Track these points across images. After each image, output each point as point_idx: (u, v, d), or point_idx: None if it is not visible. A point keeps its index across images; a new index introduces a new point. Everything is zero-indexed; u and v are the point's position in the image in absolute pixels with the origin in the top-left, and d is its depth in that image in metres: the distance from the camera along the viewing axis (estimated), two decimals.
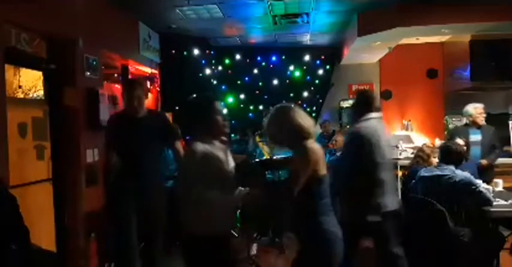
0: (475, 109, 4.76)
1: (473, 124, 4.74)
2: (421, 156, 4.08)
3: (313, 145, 2.18)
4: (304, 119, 2.22)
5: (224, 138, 2.33)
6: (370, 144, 2.96)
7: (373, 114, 3.10)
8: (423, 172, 3.61)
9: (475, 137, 4.66)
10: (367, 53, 6.98)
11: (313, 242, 2.15)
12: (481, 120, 4.73)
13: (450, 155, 3.49)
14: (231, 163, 2.32)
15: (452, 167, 3.40)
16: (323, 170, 2.14)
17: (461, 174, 3.34)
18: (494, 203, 3.39)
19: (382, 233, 3.01)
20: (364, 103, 3.17)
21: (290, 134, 2.20)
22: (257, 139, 5.31)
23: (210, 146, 2.19)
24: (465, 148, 3.96)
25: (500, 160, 5.06)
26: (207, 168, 2.12)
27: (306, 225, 2.18)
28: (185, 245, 2.24)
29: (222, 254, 2.20)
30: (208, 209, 2.11)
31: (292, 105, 2.31)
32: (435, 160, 3.99)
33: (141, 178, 3.13)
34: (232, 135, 6.88)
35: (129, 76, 5.67)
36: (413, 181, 3.86)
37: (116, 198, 3.27)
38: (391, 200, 3.04)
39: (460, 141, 4.05)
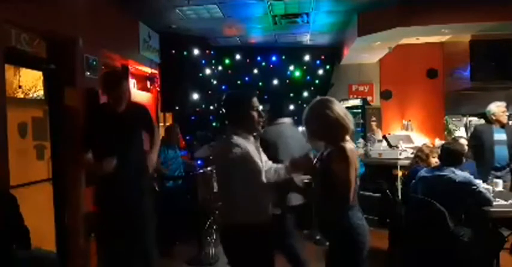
0: (498, 108, 4.63)
1: (497, 122, 4.60)
2: (419, 156, 4.09)
3: (351, 145, 2.18)
4: (347, 114, 2.23)
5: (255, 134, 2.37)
6: (275, 145, 3.23)
7: (285, 119, 3.56)
8: (423, 172, 3.61)
9: (500, 136, 4.55)
10: (367, 53, 6.98)
11: (344, 235, 2.19)
12: (505, 118, 4.60)
13: (451, 155, 3.49)
14: (264, 158, 2.37)
15: (452, 168, 3.40)
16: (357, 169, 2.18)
17: (461, 174, 3.34)
18: (494, 203, 3.39)
19: (283, 226, 3.19)
20: (278, 109, 3.61)
21: (331, 130, 2.18)
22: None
23: (246, 141, 2.24)
24: (466, 148, 3.96)
25: None
26: (244, 161, 2.17)
27: (337, 220, 2.20)
28: (225, 235, 2.30)
29: (262, 242, 2.24)
30: (247, 198, 2.18)
31: (333, 99, 2.30)
32: (434, 160, 3.99)
33: (125, 173, 3.02)
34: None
35: (129, 76, 5.67)
36: (413, 181, 3.86)
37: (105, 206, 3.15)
38: (295, 195, 3.19)
39: (463, 141, 4.04)
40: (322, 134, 2.24)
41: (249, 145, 2.24)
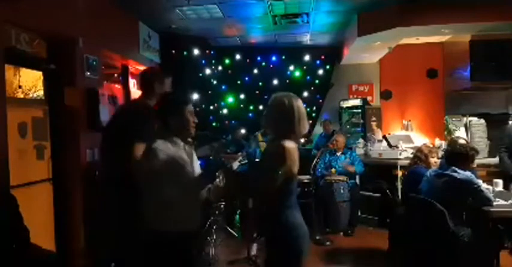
0: None
1: None
2: (419, 156, 4.09)
3: (292, 144, 2.17)
4: (304, 118, 2.25)
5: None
6: None
7: None
8: (429, 173, 3.62)
9: None
10: (367, 53, 6.98)
11: (282, 235, 2.17)
12: None
13: (454, 155, 3.49)
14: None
15: (454, 167, 3.40)
16: (296, 169, 2.17)
17: (463, 173, 3.35)
18: (494, 203, 3.39)
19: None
20: None
21: (282, 126, 2.22)
22: (259, 138, 5.30)
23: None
24: (473, 152, 3.95)
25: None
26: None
27: (275, 219, 2.19)
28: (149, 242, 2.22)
29: (184, 252, 2.20)
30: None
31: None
32: (433, 160, 4.00)
33: None
34: (230, 136, 6.86)
35: (129, 76, 5.67)
36: (412, 181, 3.87)
37: None
38: None
39: (462, 141, 4.06)
40: (274, 124, 2.28)
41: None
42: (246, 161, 5.25)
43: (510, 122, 5.59)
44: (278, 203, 2.17)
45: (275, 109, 2.28)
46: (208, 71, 7.31)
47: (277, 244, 2.19)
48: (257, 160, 4.89)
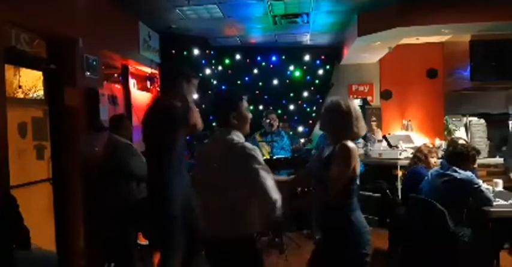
0: None
1: None
2: (418, 156, 4.09)
3: (354, 145, 2.20)
4: (362, 119, 2.28)
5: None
6: None
7: None
8: (430, 173, 3.62)
9: None
10: (367, 53, 6.97)
11: (346, 236, 2.20)
12: None
13: (454, 155, 3.49)
14: None
15: (455, 167, 3.40)
16: (359, 169, 2.20)
17: (464, 173, 3.35)
18: (494, 203, 3.39)
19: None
20: None
21: (341, 129, 2.23)
22: (258, 138, 5.30)
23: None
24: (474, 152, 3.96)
25: (498, 160, 5.06)
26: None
27: (339, 221, 2.20)
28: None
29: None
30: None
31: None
32: (433, 160, 4.00)
33: None
34: None
35: (129, 76, 5.67)
36: (411, 180, 3.87)
37: None
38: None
39: (462, 141, 4.06)
40: (333, 127, 2.28)
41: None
42: None
43: None
44: (344, 205, 2.19)
45: (333, 113, 2.28)
46: (208, 71, 7.31)
47: (345, 247, 2.20)
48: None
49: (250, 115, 2.29)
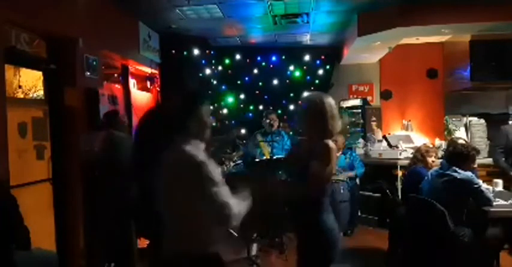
0: None
1: None
2: (416, 156, 4.10)
3: (333, 144, 2.21)
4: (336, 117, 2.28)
5: None
6: None
7: None
8: (429, 173, 3.62)
9: None
10: (367, 53, 6.98)
11: (319, 237, 2.20)
12: None
13: (454, 155, 3.49)
14: None
15: (455, 167, 3.40)
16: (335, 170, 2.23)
17: (464, 173, 3.35)
18: (494, 203, 3.39)
19: None
20: None
21: (322, 127, 2.23)
22: (258, 138, 5.30)
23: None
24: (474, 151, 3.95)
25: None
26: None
27: (312, 222, 2.21)
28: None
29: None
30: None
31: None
32: (431, 160, 4.00)
33: None
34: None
35: (129, 76, 5.68)
36: (411, 180, 3.87)
37: None
38: None
39: (462, 141, 4.06)
40: (314, 131, 2.27)
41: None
42: (241, 161, 5.25)
43: (510, 122, 5.56)
44: (317, 203, 2.19)
45: (307, 110, 2.28)
46: (208, 71, 7.31)
47: (313, 247, 2.22)
48: (257, 160, 4.89)
49: (211, 121, 2.04)
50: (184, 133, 1.90)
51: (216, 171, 1.84)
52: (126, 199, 3.60)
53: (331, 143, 2.17)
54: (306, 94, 2.36)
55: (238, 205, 1.84)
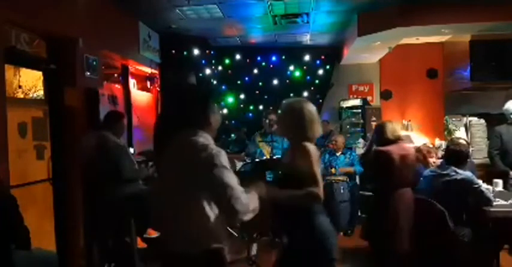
0: None
1: None
2: (417, 157, 4.09)
3: (312, 146, 2.22)
4: (318, 121, 2.30)
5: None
6: None
7: None
8: (427, 172, 3.62)
9: None
10: (367, 53, 6.97)
11: (313, 240, 2.16)
12: None
13: (454, 155, 3.49)
14: None
15: (454, 167, 3.40)
16: (318, 169, 2.20)
17: (464, 173, 3.35)
18: (494, 203, 3.39)
19: None
20: None
21: (300, 130, 2.24)
22: (258, 138, 5.30)
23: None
24: (471, 149, 3.96)
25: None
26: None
27: (304, 225, 2.18)
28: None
29: None
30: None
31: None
32: (432, 160, 4.00)
33: None
34: (232, 135, 6.87)
35: (129, 76, 5.68)
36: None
37: None
38: None
39: (462, 141, 4.06)
40: (292, 133, 2.30)
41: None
42: (249, 161, 5.25)
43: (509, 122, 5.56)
44: (306, 207, 2.18)
45: (287, 115, 2.32)
46: (208, 71, 7.31)
47: (307, 252, 2.16)
48: (257, 160, 4.89)
49: (220, 117, 2.06)
50: (198, 127, 1.93)
51: (228, 161, 1.85)
52: (120, 200, 3.61)
53: (309, 145, 2.18)
54: (285, 101, 2.38)
55: (249, 199, 1.85)
